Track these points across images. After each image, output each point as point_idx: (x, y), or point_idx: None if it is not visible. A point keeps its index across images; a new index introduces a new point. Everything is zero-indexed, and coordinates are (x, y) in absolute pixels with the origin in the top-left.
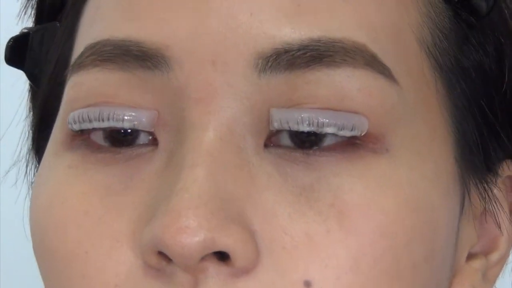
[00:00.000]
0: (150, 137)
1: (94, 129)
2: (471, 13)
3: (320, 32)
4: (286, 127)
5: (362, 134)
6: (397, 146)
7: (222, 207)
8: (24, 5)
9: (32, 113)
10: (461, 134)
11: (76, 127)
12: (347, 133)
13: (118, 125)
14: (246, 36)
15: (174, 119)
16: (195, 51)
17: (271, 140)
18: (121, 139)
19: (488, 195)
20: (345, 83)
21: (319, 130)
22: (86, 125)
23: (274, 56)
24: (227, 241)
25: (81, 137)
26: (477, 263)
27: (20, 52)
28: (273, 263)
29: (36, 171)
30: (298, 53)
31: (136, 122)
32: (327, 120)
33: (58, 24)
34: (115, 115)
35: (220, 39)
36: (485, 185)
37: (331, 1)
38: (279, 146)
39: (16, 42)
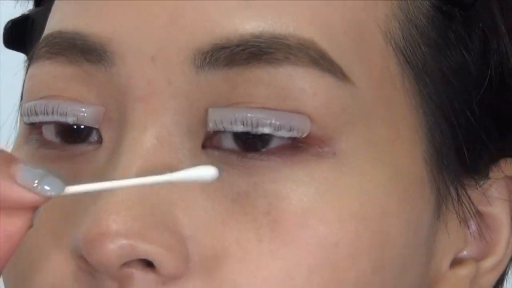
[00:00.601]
0: (98, 134)
1: (42, 123)
2: (455, 4)
3: (262, 28)
4: (221, 127)
5: (303, 136)
6: (347, 150)
7: (149, 213)
8: None
9: None
10: (435, 135)
11: (26, 120)
12: (285, 134)
13: (62, 119)
14: (187, 30)
15: (118, 116)
16: (136, 46)
17: (212, 141)
18: (71, 135)
19: (462, 200)
20: (287, 82)
21: (254, 131)
22: (34, 118)
23: (211, 52)
24: (148, 249)
25: (35, 130)
26: (464, 270)
27: (19, 35)
28: (203, 271)
29: None
30: (237, 49)
31: (79, 117)
32: (262, 120)
33: None
34: (59, 110)
35: (162, 34)
36: (463, 189)
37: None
38: (218, 148)
39: (15, 25)
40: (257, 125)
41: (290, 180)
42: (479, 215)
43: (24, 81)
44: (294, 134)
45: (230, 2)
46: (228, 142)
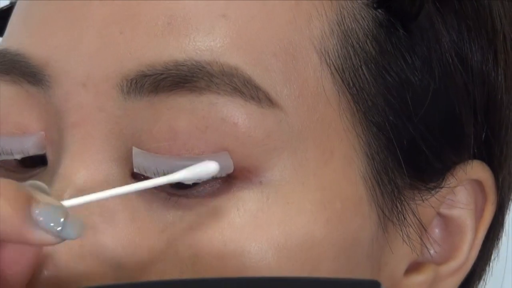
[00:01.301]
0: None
1: None
2: (397, 18)
3: (186, 54)
4: (144, 173)
5: (227, 174)
6: (274, 178)
7: (78, 243)
8: None
9: None
10: (374, 152)
11: None
12: (208, 178)
13: (10, 158)
14: (114, 56)
15: (58, 139)
16: (69, 72)
17: (141, 175)
18: (23, 161)
19: (407, 213)
20: (208, 112)
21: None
22: None
23: (137, 79)
24: None
25: None
26: (421, 276)
27: (5, 24)
28: None
29: None
30: (161, 77)
31: (24, 151)
32: (181, 177)
33: None
34: (4, 150)
35: (91, 60)
36: (407, 202)
37: (208, 19)
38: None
39: (1, 14)
40: (177, 185)
41: (215, 213)
42: (442, 219)
43: None
44: (218, 175)
45: (156, 27)
46: None
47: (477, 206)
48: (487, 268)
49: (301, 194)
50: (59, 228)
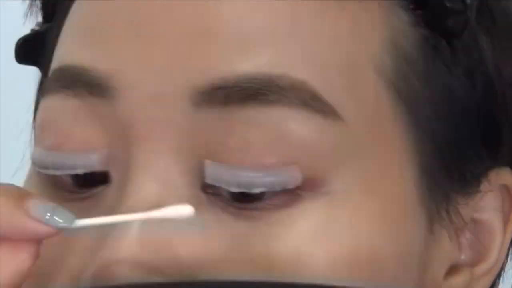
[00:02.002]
0: (108, 175)
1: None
2: (442, 35)
3: (257, 68)
4: (217, 185)
5: (296, 186)
6: (339, 188)
7: (154, 257)
8: (29, 5)
9: None
10: (424, 158)
11: (37, 169)
12: (278, 189)
13: (72, 172)
14: (185, 69)
15: (124, 155)
16: (137, 85)
17: (211, 187)
18: (83, 179)
19: (452, 215)
20: (279, 124)
21: (249, 191)
22: (45, 171)
23: (208, 91)
24: None
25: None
26: (459, 278)
27: (31, 50)
28: None
29: None
30: (233, 90)
31: (88, 167)
32: (256, 182)
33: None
34: (68, 163)
35: (161, 72)
36: (453, 204)
37: (276, 35)
38: (216, 194)
39: (27, 41)
40: (252, 187)
41: (285, 223)
42: (474, 223)
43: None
44: (286, 187)
45: (227, 42)
46: (226, 192)
47: (505, 210)
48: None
49: (364, 204)
50: (47, 216)
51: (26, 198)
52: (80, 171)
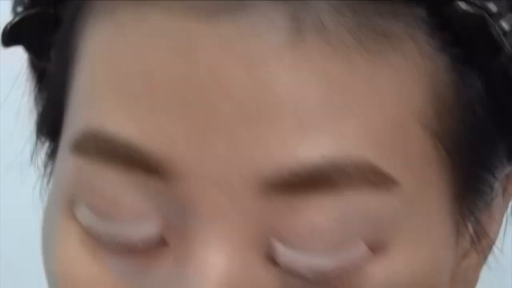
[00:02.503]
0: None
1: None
2: (481, 72)
3: (320, 153)
4: (289, 270)
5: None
6: (396, 247)
7: None
8: None
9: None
10: (458, 190)
11: (85, 229)
12: (347, 266)
13: (128, 242)
14: (248, 156)
15: (181, 226)
16: (198, 169)
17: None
18: None
19: (475, 226)
20: (347, 206)
21: (322, 276)
22: (98, 238)
23: (273, 179)
24: None
25: None
26: (466, 261)
27: (18, 33)
28: None
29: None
30: (298, 178)
31: (144, 239)
32: (328, 269)
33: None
34: (122, 236)
35: (222, 158)
36: (476, 216)
37: (332, 112)
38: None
39: (14, 26)
40: (325, 276)
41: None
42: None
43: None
44: (354, 263)
45: (288, 129)
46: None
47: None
48: None
49: (418, 255)
50: None
51: None
52: (136, 239)
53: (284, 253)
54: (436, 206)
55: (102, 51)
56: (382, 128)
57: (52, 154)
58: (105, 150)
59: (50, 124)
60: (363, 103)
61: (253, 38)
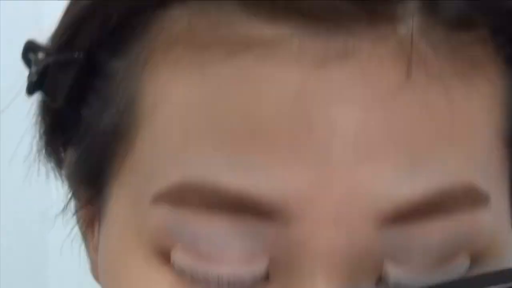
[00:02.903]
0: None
1: None
2: None
3: (432, 184)
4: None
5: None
6: (487, 254)
7: None
8: None
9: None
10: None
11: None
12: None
13: (236, 281)
14: (368, 196)
15: (287, 262)
16: (316, 210)
17: None
18: None
19: None
20: (456, 226)
21: None
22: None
23: (396, 213)
24: None
25: None
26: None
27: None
28: None
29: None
30: (415, 207)
31: (253, 278)
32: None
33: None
34: (232, 276)
35: (342, 199)
36: None
37: (440, 148)
38: None
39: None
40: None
41: None
42: None
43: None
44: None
45: (402, 165)
46: None
47: None
48: None
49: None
50: None
51: None
52: (247, 281)
53: (395, 272)
54: (506, 210)
55: (198, 102)
56: (478, 151)
57: (91, 200)
58: (212, 200)
59: (87, 171)
60: (462, 131)
61: (363, 82)
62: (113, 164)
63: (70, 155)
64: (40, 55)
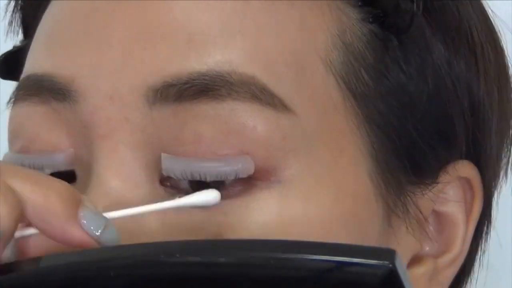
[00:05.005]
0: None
1: None
2: (390, 31)
3: (208, 66)
4: (173, 176)
5: (248, 175)
6: (292, 177)
7: None
8: (10, 21)
9: None
10: (378, 152)
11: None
12: (232, 177)
13: (41, 172)
14: (139, 70)
15: (87, 154)
16: (95, 86)
17: (169, 180)
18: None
19: (409, 208)
20: (230, 117)
21: (203, 180)
22: None
23: (162, 89)
24: None
25: None
26: (422, 268)
27: (13, 65)
28: None
29: None
30: (185, 86)
31: (55, 167)
32: (210, 171)
33: None
34: (36, 165)
35: (116, 74)
36: (410, 197)
37: (224, 34)
38: (174, 186)
39: (8, 57)
40: (206, 176)
41: (240, 212)
42: (436, 215)
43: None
44: (240, 176)
45: (178, 44)
46: (183, 183)
47: (467, 202)
48: (476, 260)
49: (317, 191)
50: (98, 233)
51: (81, 205)
52: (47, 171)
53: (169, 160)
54: (347, 157)
55: (39, 26)
56: (277, 54)
57: None
58: (29, 89)
59: None
60: (258, 30)
61: None
62: None
63: None
64: None
